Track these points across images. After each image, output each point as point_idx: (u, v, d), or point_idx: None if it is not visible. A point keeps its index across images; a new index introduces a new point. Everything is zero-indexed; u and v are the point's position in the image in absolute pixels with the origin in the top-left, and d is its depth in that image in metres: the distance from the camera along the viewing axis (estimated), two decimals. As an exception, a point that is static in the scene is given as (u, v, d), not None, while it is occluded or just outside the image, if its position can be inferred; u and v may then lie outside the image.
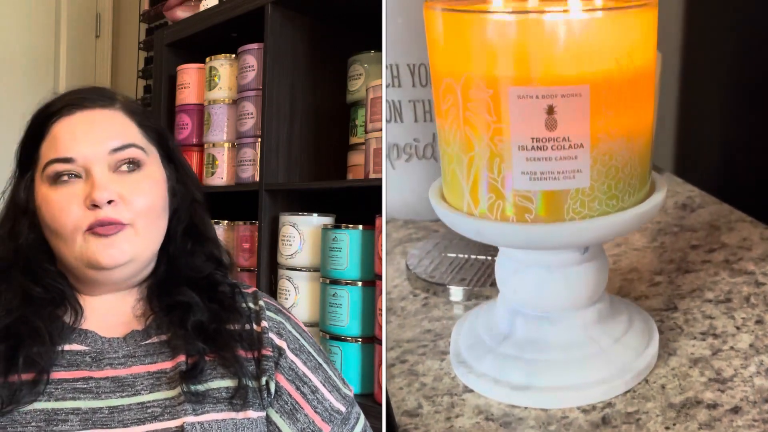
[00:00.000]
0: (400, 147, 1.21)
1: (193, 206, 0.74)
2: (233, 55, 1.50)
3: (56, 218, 0.65)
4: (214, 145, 1.52)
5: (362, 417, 0.73)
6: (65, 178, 0.65)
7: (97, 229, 0.64)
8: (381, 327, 1.04)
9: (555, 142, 0.71)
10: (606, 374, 0.77)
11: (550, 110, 0.70)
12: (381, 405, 0.84)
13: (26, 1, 2.49)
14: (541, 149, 0.71)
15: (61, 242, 0.66)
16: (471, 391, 0.80)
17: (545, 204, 0.72)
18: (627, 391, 0.77)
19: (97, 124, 0.68)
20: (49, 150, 0.67)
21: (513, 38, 0.70)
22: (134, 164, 0.68)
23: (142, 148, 0.69)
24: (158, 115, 1.68)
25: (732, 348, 0.82)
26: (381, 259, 1.07)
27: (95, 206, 0.64)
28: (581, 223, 0.72)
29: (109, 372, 0.65)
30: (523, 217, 0.73)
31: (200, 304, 0.69)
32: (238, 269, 1.42)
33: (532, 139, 0.71)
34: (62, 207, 0.65)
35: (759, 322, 0.86)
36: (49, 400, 0.62)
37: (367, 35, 1.32)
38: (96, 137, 0.67)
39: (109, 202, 0.65)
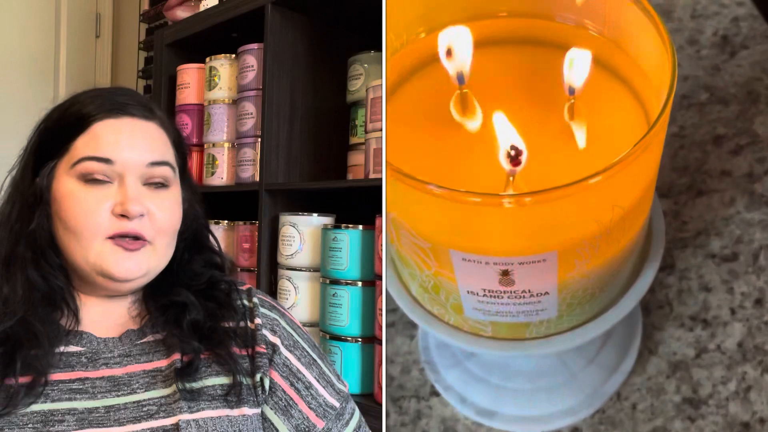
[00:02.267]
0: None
1: (199, 229, 0.74)
2: (233, 55, 1.50)
3: (79, 218, 0.64)
4: (214, 145, 1.52)
5: (357, 412, 0.73)
6: (98, 178, 0.65)
7: (120, 241, 0.64)
8: (381, 327, 1.04)
9: (513, 294, 0.59)
10: (574, 402, 0.74)
11: (506, 273, 0.58)
12: (381, 405, 0.83)
13: (26, 1, 2.49)
14: (495, 297, 0.60)
15: (75, 242, 0.65)
16: (438, 394, 0.78)
17: (504, 329, 0.64)
18: (596, 411, 0.73)
19: (140, 135, 0.68)
20: (86, 146, 0.66)
21: (461, 214, 0.54)
22: (164, 182, 0.68)
23: (173, 168, 0.69)
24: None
25: (718, 348, 0.77)
26: (381, 259, 1.07)
27: (124, 216, 0.64)
28: (546, 340, 0.64)
29: (105, 372, 0.65)
30: (479, 332, 0.65)
31: (196, 304, 0.69)
32: (238, 269, 1.42)
33: (484, 289, 0.60)
34: (89, 208, 0.64)
35: (758, 301, 0.79)
36: (46, 402, 0.62)
37: (367, 35, 1.32)
38: (138, 147, 0.67)
39: (140, 216, 0.65)
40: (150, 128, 0.69)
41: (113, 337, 0.67)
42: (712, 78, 0.92)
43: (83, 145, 0.66)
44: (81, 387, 0.63)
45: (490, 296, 0.60)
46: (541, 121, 0.64)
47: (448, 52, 0.63)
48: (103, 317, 0.69)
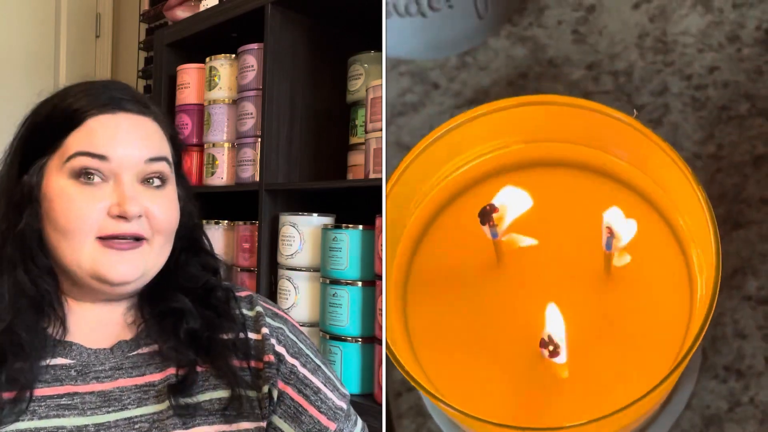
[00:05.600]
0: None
1: (194, 228, 0.71)
2: (233, 55, 1.50)
3: (70, 218, 0.60)
4: (214, 145, 1.52)
5: (358, 416, 0.73)
6: (91, 177, 0.61)
7: (112, 242, 0.61)
8: (381, 327, 1.04)
9: None
10: None
11: None
12: (381, 405, 0.83)
13: (26, 1, 2.49)
14: None
15: (65, 243, 0.61)
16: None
17: None
18: None
19: (138, 130, 0.64)
20: (80, 142, 0.62)
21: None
22: (161, 179, 0.65)
23: (170, 164, 0.66)
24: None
25: (751, 401, 0.73)
26: (381, 259, 1.07)
27: (121, 218, 0.61)
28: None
29: (95, 386, 0.62)
30: None
31: (194, 312, 0.66)
32: (238, 269, 1.42)
33: None
34: (81, 208, 0.60)
35: None
36: (33, 419, 0.59)
37: (367, 35, 1.32)
38: (135, 143, 0.63)
39: (138, 216, 0.61)
40: (146, 123, 0.65)
41: (104, 349, 0.64)
42: (753, 84, 0.79)
43: (77, 140, 0.62)
44: (70, 402, 0.60)
45: None
46: (579, 255, 0.72)
47: (488, 217, 0.70)
48: (95, 325, 0.65)
